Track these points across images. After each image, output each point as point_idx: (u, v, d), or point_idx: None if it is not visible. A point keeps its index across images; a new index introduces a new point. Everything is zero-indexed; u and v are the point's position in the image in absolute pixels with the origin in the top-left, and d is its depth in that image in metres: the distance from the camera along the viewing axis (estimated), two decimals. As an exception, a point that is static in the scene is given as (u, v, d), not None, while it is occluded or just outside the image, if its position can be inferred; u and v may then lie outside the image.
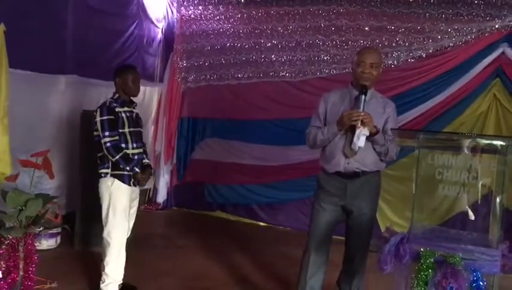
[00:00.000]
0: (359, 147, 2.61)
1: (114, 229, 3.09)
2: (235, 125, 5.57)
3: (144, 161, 3.23)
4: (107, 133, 3.03)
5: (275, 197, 5.41)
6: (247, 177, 5.49)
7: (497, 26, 4.43)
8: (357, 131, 2.56)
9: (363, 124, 2.56)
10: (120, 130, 3.09)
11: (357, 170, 2.75)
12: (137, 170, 3.11)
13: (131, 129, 3.16)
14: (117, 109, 3.10)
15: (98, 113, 3.07)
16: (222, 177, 5.61)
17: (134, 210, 3.29)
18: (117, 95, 3.18)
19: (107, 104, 3.10)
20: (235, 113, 5.54)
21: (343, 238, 2.96)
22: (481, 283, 2.03)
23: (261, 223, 5.48)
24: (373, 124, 2.60)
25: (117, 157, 3.02)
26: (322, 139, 2.79)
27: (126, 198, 3.12)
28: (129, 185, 3.12)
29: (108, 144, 3.02)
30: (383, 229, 3.89)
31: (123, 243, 3.17)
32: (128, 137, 3.14)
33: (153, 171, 3.42)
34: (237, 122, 5.56)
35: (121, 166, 3.05)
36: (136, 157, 3.14)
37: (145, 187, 5.58)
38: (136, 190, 3.24)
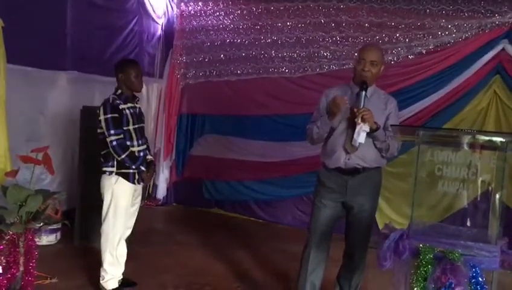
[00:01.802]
0: (359, 143, 2.61)
1: (113, 226, 3.08)
2: (234, 121, 5.56)
3: (147, 157, 3.22)
4: (112, 132, 2.98)
5: (273, 194, 5.38)
6: (245, 173, 5.47)
7: (497, 22, 4.42)
8: (357, 127, 2.56)
9: (363, 120, 2.56)
10: (125, 128, 3.05)
11: (358, 166, 2.75)
12: (143, 168, 3.10)
13: (136, 126, 3.13)
14: (121, 106, 3.05)
15: (102, 111, 3.01)
16: (220, 173, 5.59)
17: (136, 207, 3.29)
18: (119, 91, 3.11)
19: (110, 101, 3.04)
20: (234, 109, 5.52)
21: (343, 235, 2.96)
22: (480, 279, 2.04)
23: (259, 220, 5.46)
24: (373, 120, 2.60)
25: (123, 156, 3.00)
26: (318, 132, 2.80)
27: (128, 196, 3.12)
28: (133, 183, 3.11)
29: (114, 143, 2.98)
30: (381, 226, 3.90)
31: (122, 239, 3.17)
32: (133, 134, 3.10)
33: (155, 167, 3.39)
34: (236, 118, 5.55)
35: (127, 164, 3.03)
36: (141, 154, 3.13)
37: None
38: (139, 187, 3.23)
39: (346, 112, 2.75)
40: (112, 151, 3.00)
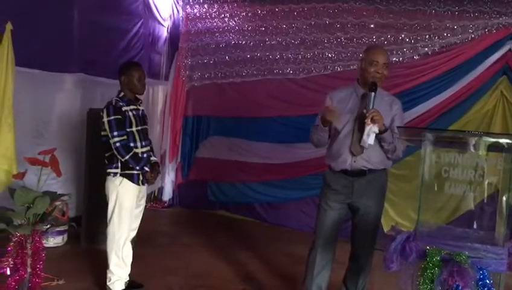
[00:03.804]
0: (369, 144, 2.60)
1: (118, 227, 3.10)
2: (239, 123, 5.57)
3: (151, 158, 3.24)
4: (115, 133, 3.01)
5: (278, 196, 5.38)
6: (251, 175, 5.48)
7: (504, 23, 4.40)
8: (367, 128, 2.56)
9: (373, 121, 2.55)
10: (128, 130, 3.08)
11: (364, 168, 2.75)
12: (146, 169, 3.12)
13: (139, 128, 3.16)
14: (123, 108, 3.09)
15: (105, 113, 3.05)
16: (225, 175, 5.60)
17: (141, 209, 3.30)
18: (122, 94, 3.15)
19: (113, 103, 3.08)
20: (239, 111, 5.53)
21: (348, 238, 2.96)
22: (487, 281, 2.03)
23: (264, 223, 5.43)
24: (383, 121, 2.59)
25: (127, 157, 3.02)
26: (317, 137, 2.82)
27: (133, 197, 3.14)
28: (138, 184, 3.13)
29: (117, 144, 3.01)
30: (386, 229, 3.89)
31: (127, 241, 3.18)
32: (137, 136, 3.13)
33: (160, 168, 3.40)
34: (241, 120, 5.56)
35: (131, 165, 3.05)
36: (144, 155, 3.15)
37: (154, 187, 5.60)
38: (144, 188, 3.25)
39: (350, 115, 2.75)
40: (116, 153, 3.03)
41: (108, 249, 3.13)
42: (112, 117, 3.02)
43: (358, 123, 2.68)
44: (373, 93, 2.62)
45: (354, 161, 2.74)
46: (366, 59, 2.76)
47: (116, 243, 3.11)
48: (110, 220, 3.12)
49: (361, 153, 2.71)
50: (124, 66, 3.22)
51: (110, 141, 3.03)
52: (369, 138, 2.56)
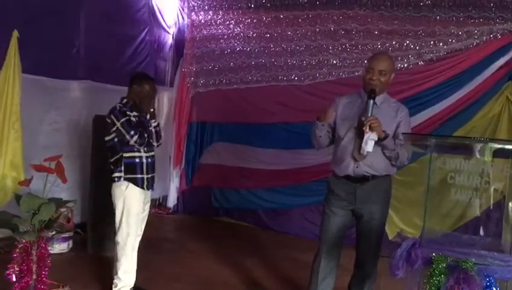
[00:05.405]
0: (367, 152, 2.60)
1: (127, 233, 3.11)
2: (243, 129, 5.58)
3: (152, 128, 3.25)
4: (132, 133, 3.02)
5: (281, 203, 5.37)
6: (254, 182, 5.47)
7: (509, 28, 4.39)
8: (365, 136, 2.55)
9: (371, 128, 2.55)
10: None
11: (367, 174, 2.74)
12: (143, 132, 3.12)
13: None
14: (127, 113, 3.11)
15: (114, 119, 3.04)
16: (229, 181, 5.60)
17: (146, 214, 3.31)
18: (125, 100, 3.17)
19: (118, 108, 3.10)
20: (243, 117, 5.54)
21: (353, 245, 2.95)
22: (494, 289, 2.01)
23: (268, 230, 5.41)
24: (381, 129, 2.59)
25: (146, 134, 3.05)
26: (313, 135, 2.83)
27: (139, 202, 3.15)
28: (142, 188, 3.14)
29: (138, 140, 3.03)
30: (390, 236, 3.87)
31: (135, 247, 3.20)
32: None
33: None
34: (245, 126, 5.57)
35: (147, 134, 3.08)
36: (149, 160, 3.17)
37: (156, 196, 5.61)
38: (148, 194, 3.26)
39: (354, 121, 2.75)
40: (141, 145, 3.05)
41: (118, 256, 3.13)
42: (123, 119, 3.04)
43: (358, 130, 2.68)
44: (371, 101, 2.63)
45: (357, 167, 2.73)
46: (365, 66, 2.81)
47: (125, 250, 3.12)
48: (119, 227, 3.12)
49: (364, 159, 2.70)
50: (139, 77, 3.23)
51: (130, 142, 3.03)
52: (367, 146, 2.55)
